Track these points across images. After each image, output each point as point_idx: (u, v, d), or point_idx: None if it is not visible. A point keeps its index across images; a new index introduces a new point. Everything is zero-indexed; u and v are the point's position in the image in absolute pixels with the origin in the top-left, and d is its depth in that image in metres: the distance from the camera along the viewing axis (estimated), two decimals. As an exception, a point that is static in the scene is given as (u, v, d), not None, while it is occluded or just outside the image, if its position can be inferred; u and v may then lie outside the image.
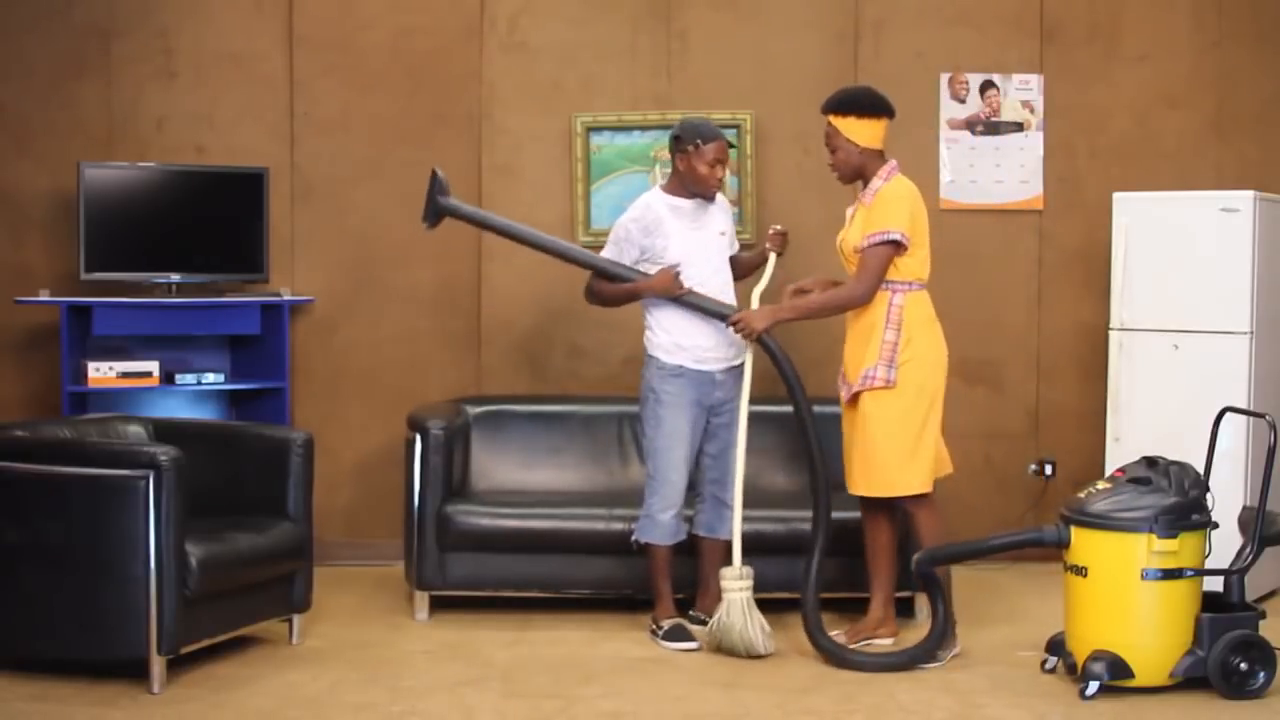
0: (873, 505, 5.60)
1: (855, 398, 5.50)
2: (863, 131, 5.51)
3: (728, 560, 5.64)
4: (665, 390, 5.69)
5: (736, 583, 5.53)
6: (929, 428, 5.48)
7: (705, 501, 5.87)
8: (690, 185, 5.75)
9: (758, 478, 6.12)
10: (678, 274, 5.67)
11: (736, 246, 5.99)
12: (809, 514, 5.68)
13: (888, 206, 5.44)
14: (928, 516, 5.49)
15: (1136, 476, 5.16)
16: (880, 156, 5.56)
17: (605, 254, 5.85)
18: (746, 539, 5.80)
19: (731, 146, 5.95)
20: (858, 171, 5.57)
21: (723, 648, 5.53)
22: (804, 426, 5.67)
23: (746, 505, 5.75)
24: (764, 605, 5.92)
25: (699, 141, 5.70)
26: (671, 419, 5.68)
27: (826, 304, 5.57)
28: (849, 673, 5.33)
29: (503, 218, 6.09)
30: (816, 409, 5.75)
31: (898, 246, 5.41)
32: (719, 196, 5.98)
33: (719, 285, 5.78)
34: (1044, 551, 5.42)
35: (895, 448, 5.43)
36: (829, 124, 5.58)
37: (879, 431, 5.43)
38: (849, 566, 5.83)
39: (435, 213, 5.87)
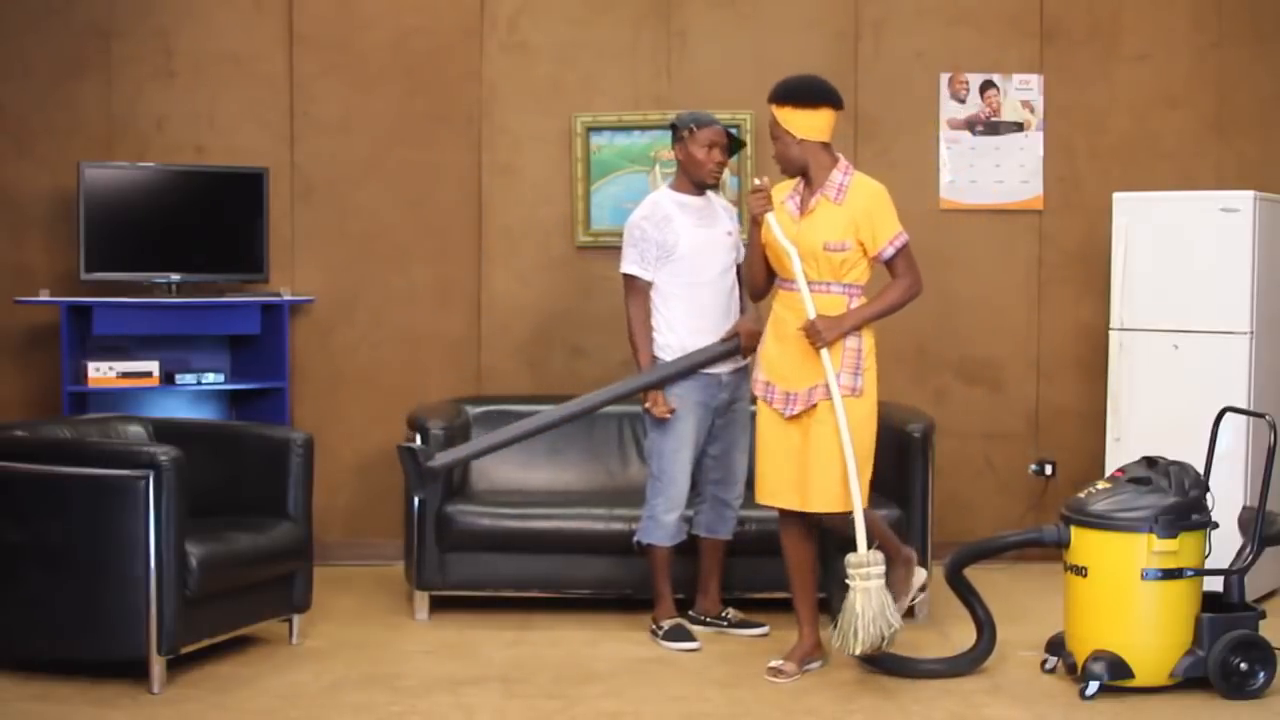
0: (794, 520, 5.28)
1: (812, 412, 5.15)
2: (801, 122, 5.19)
3: (728, 559, 5.64)
4: (672, 392, 5.69)
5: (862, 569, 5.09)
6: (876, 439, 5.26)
7: (706, 502, 5.87)
8: (690, 173, 5.75)
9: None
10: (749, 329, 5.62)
11: (742, 251, 5.97)
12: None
13: (888, 208, 5.21)
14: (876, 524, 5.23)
15: (1136, 476, 5.16)
16: (826, 150, 5.22)
17: (625, 258, 5.78)
18: (748, 538, 5.83)
19: (739, 143, 5.94)
20: (798, 163, 5.22)
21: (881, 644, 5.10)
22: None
23: (747, 504, 5.77)
24: (764, 605, 5.95)
25: (693, 126, 5.74)
26: (678, 421, 5.68)
27: (888, 306, 5.22)
28: (849, 673, 5.32)
29: (496, 435, 5.73)
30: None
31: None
32: (722, 199, 5.99)
33: (727, 285, 5.78)
34: (1044, 551, 5.42)
35: (866, 458, 5.16)
36: (772, 114, 5.26)
37: (853, 442, 5.07)
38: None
39: (426, 482, 5.50)
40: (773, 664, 5.31)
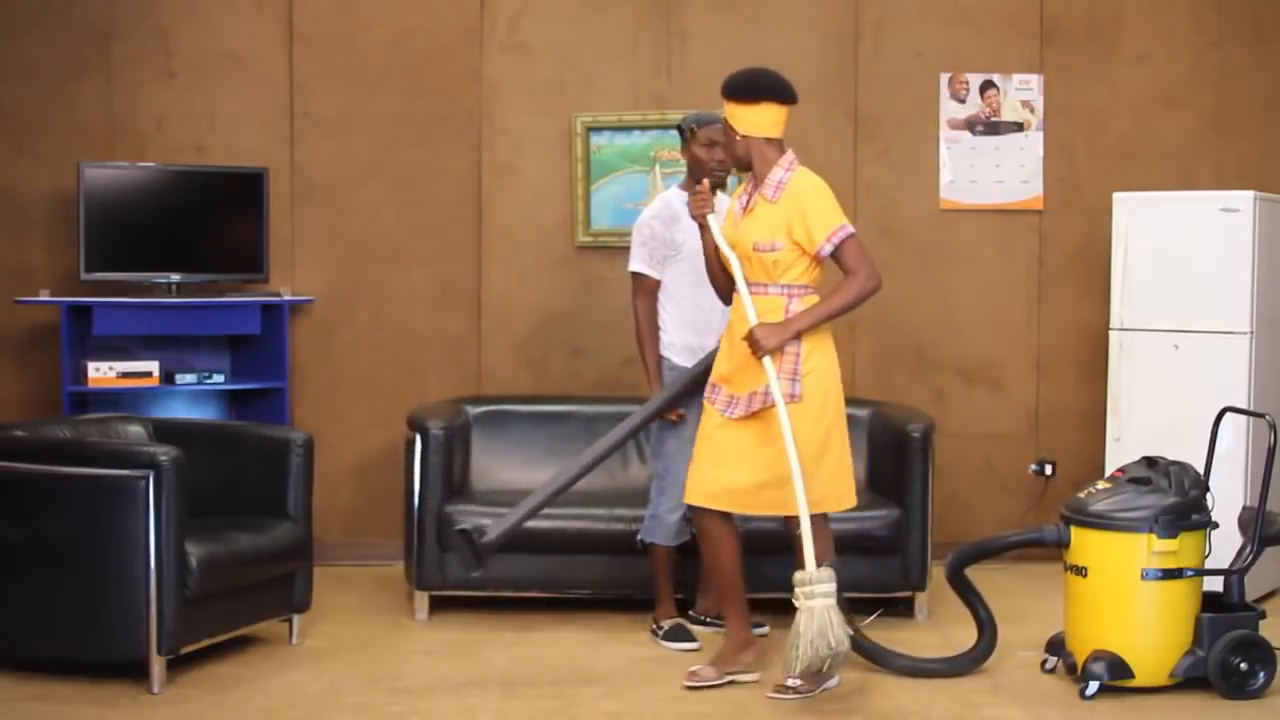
0: (714, 517, 5.14)
1: (755, 416, 5.03)
2: (742, 117, 5.06)
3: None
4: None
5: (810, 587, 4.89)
6: (835, 441, 5.07)
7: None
8: (695, 173, 5.76)
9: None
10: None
11: None
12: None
13: (824, 200, 5.01)
14: (821, 535, 5.02)
15: (1136, 476, 5.16)
16: (773, 145, 5.08)
17: (634, 256, 5.77)
18: (751, 538, 5.82)
19: None
20: (742, 159, 5.10)
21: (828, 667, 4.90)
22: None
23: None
24: (766, 605, 5.93)
25: (694, 126, 5.74)
26: (683, 421, 5.67)
27: (839, 306, 5.01)
28: (849, 673, 5.31)
29: (535, 495, 5.43)
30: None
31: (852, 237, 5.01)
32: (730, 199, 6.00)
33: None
34: (1044, 551, 5.41)
35: (811, 465, 4.94)
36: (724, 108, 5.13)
37: (809, 446, 4.95)
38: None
39: (482, 559, 5.32)
40: (691, 669, 5.18)
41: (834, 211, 5.02)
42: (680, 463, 5.69)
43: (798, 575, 4.88)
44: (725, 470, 5.09)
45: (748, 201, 5.12)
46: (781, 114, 5.11)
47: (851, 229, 5.02)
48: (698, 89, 7.00)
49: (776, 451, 4.95)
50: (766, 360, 4.93)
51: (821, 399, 5.02)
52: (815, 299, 5.05)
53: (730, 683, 5.16)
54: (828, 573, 4.86)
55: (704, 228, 5.19)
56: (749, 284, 5.03)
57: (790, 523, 5.67)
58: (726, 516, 5.17)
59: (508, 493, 6.38)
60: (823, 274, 5.12)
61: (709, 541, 5.22)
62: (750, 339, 4.94)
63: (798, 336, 4.97)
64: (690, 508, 5.26)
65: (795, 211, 5.00)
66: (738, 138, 5.08)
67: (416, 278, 7.11)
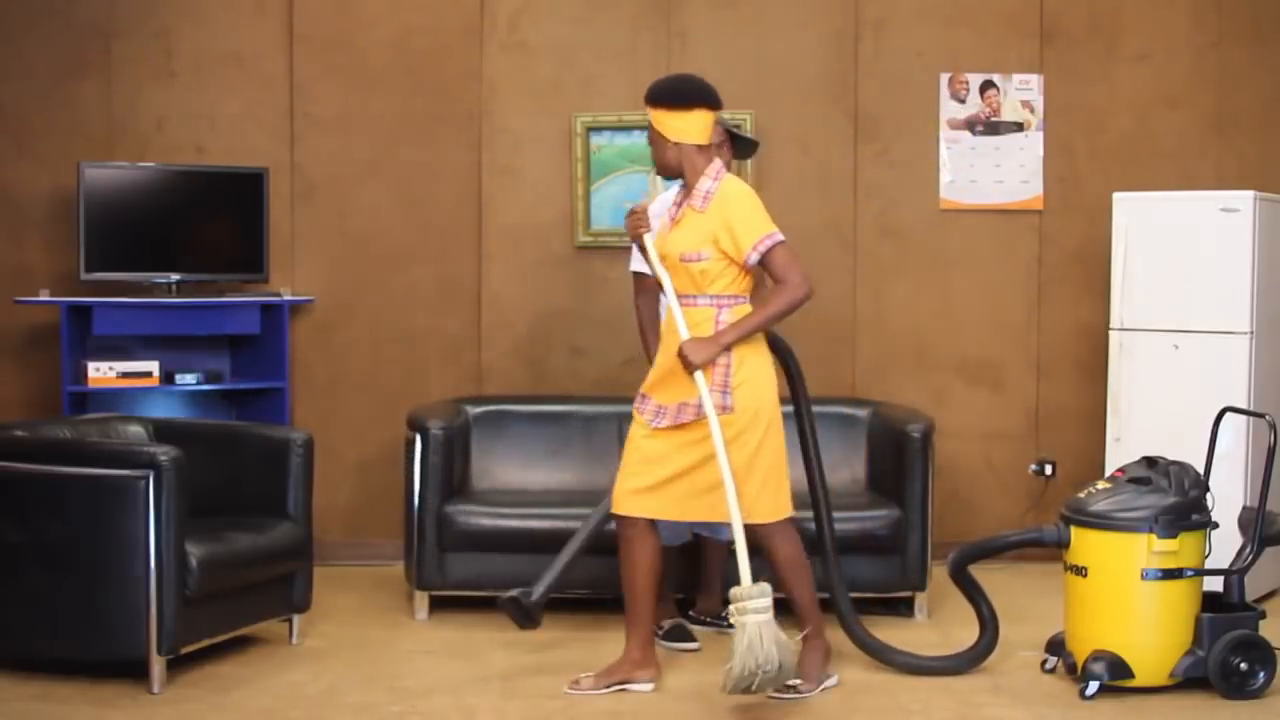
0: (639, 526, 5.07)
1: (685, 428, 4.95)
2: (673, 124, 4.94)
3: (729, 560, 5.60)
4: None
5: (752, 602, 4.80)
6: (767, 451, 4.96)
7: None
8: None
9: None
10: None
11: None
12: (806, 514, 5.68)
13: (751, 208, 4.93)
14: (784, 544, 5.04)
15: (1136, 476, 5.16)
16: (703, 153, 4.99)
17: (634, 256, 5.72)
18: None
19: (751, 142, 5.94)
20: (673, 168, 5.00)
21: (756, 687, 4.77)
22: (804, 430, 5.69)
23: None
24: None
25: None
26: None
27: (769, 316, 4.92)
28: (849, 673, 5.32)
29: (569, 545, 5.43)
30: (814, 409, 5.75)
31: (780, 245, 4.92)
32: None
33: None
34: (1044, 551, 5.41)
35: (743, 476, 4.88)
36: (648, 115, 5.03)
37: (739, 456, 4.88)
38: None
39: (535, 617, 5.35)
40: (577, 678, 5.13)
41: (761, 219, 4.92)
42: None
43: (733, 591, 4.80)
44: (652, 479, 5.01)
45: (676, 212, 5.04)
46: (710, 121, 5.01)
47: (780, 237, 4.91)
48: (698, 89, 7.01)
49: (701, 458, 4.91)
50: (698, 374, 4.85)
51: (753, 410, 4.93)
52: (747, 309, 4.97)
53: (622, 689, 5.08)
54: (762, 589, 4.78)
55: (641, 248, 5.13)
56: (679, 296, 4.95)
57: (705, 543, 5.76)
58: (651, 526, 5.08)
59: (508, 493, 6.40)
60: (754, 283, 5.03)
61: (628, 549, 5.10)
62: (680, 355, 4.86)
63: (728, 348, 4.90)
64: (616, 517, 5.15)
65: (721, 221, 4.90)
66: (670, 145, 4.97)
67: (416, 278, 7.11)
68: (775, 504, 5.03)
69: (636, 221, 5.08)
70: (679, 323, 4.93)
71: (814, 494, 5.65)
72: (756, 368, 4.96)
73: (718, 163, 5.03)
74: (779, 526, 5.05)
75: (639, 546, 5.10)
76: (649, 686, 5.11)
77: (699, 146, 4.99)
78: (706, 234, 4.91)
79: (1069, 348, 7.21)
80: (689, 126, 4.96)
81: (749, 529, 4.88)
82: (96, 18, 6.95)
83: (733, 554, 5.87)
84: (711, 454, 4.84)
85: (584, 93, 7.11)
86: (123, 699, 4.95)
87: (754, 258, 4.89)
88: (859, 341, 7.17)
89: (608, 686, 5.07)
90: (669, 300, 4.98)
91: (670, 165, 5.02)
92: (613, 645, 5.65)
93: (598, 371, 7.06)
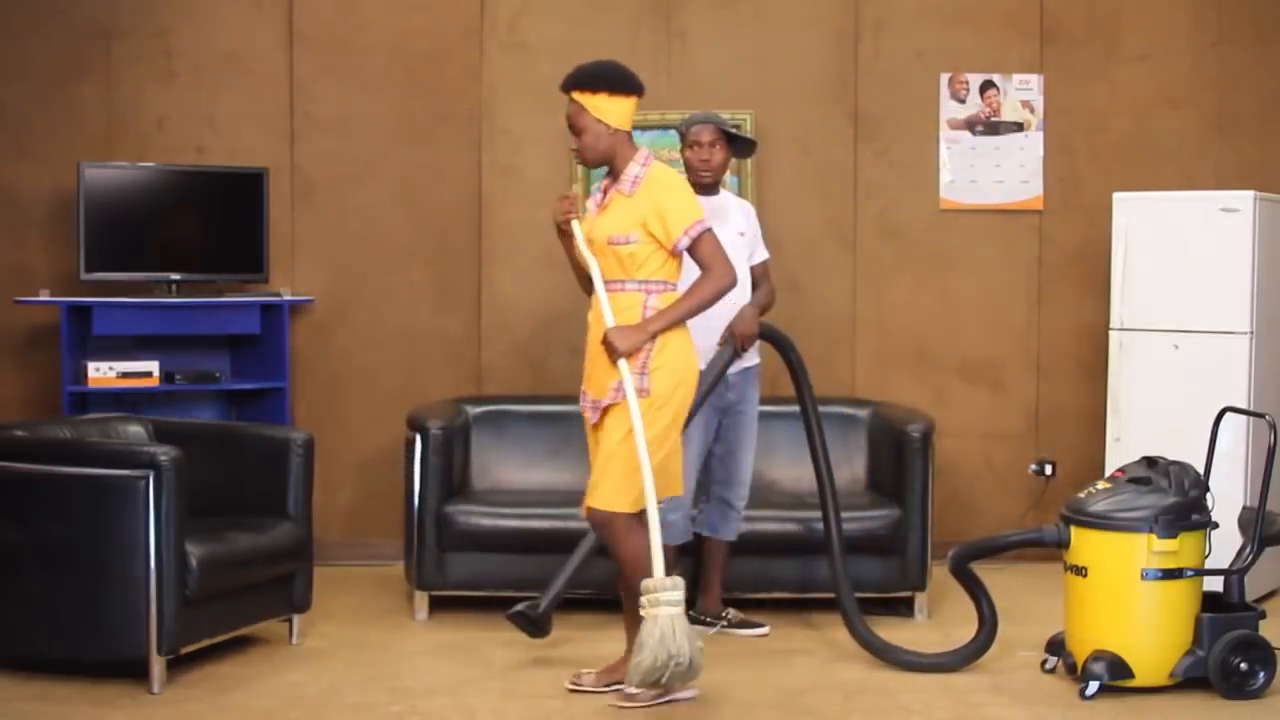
0: (626, 520, 4.99)
1: (605, 413, 4.94)
2: (612, 110, 4.93)
3: (729, 560, 5.62)
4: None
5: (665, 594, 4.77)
6: (664, 442, 4.89)
7: (710, 502, 5.87)
8: (688, 174, 5.78)
9: (759, 476, 6.09)
10: None
11: (765, 253, 5.95)
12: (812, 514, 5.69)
13: (681, 196, 4.94)
14: (628, 540, 4.90)
15: (1136, 476, 5.16)
16: (630, 140, 4.99)
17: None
18: (752, 538, 5.83)
19: (749, 142, 5.94)
20: (606, 155, 4.98)
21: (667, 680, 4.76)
22: (809, 424, 5.70)
23: (749, 505, 5.80)
24: (765, 606, 5.95)
25: (682, 129, 5.82)
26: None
27: (695, 304, 4.93)
28: (849, 673, 5.32)
29: (571, 559, 5.44)
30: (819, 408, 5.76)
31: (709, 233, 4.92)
32: (741, 200, 6.01)
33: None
34: (1044, 551, 5.41)
35: (624, 459, 4.83)
36: (573, 102, 4.97)
37: (613, 439, 4.87)
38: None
39: (544, 626, 5.36)
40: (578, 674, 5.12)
41: (692, 206, 4.95)
42: (681, 463, 5.69)
43: (645, 582, 4.79)
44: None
45: (603, 198, 5.05)
46: (635, 108, 5.02)
47: (709, 224, 4.93)
48: (698, 89, 7.02)
49: (604, 445, 4.90)
50: (622, 361, 4.84)
51: (667, 394, 4.89)
52: (675, 295, 4.95)
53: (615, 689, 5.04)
54: (674, 581, 4.77)
55: (567, 233, 5.08)
56: (606, 282, 4.94)
57: (705, 543, 5.83)
58: (636, 522, 4.99)
59: (508, 493, 6.40)
60: (680, 270, 5.02)
61: (621, 545, 5.01)
62: (605, 342, 4.86)
63: (654, 336, 4.88)
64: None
65: (652, 205, 4.91)
66: (609, 132, 4.95)
67: (416, 278, 7.11)
68: (634, 497, 4.87)
69: (569, 205, 5.06)
70: (605, 311, 4.91)
71: (821, 491, 5.65)
72: (676, 354, 4.93)
73: (644, 149, 5.02)
74: (621, 517, 4.91)
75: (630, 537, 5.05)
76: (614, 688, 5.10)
77: (628, 133, 4.99)
78: (635, 218, 4.91)
79: (1069, 348, 7.21)
80: (626, 113, 4.97)
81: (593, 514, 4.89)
82: (96, 18, 6.95)
83: (731, 553, 5.94)
84: (614, 440, 4.85)
85: (584, 93, 7.09)
86: (123, 699, 4.95)
87: (684, 242, 4.90)
88: (859, 341, 7.17)
89: (608, 685, 5.07)
90: (597, 289, 4.95)
91: (603, 153, 4.98)
92: (614, 645, 5.65)
93: (598, 371, 7.05)
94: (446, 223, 7.13)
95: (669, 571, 5.76)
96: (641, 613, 4.79)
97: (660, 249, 4.93)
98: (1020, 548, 5.40)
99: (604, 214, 5.01)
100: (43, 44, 6.91)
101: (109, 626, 5.01)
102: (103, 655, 5.07)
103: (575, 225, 5.04)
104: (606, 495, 4.91)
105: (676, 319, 4.92)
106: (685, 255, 4.97)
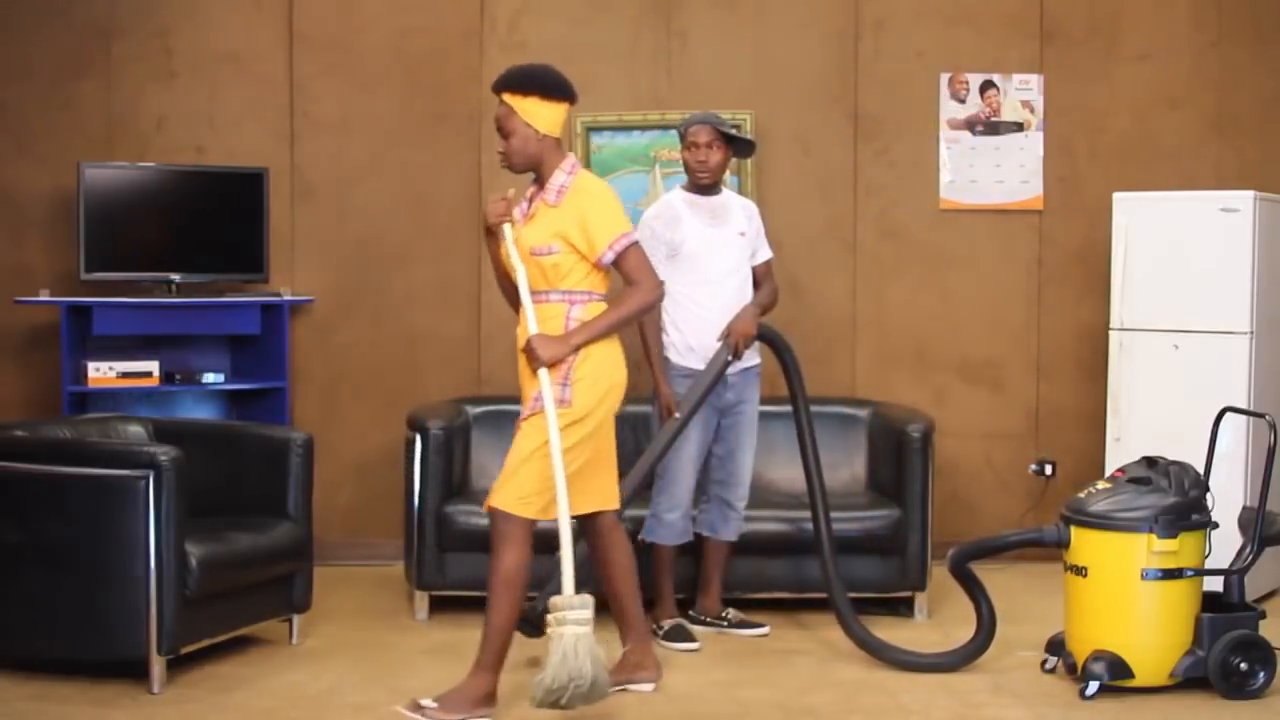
0: (598, 524, 5.03)
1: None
2: (543, 115, 4.79)
3: (730, 560, 5.61)
4: (677, 392, 5.68)
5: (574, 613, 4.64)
6: (573, 455, 4.74)
7: (710, 502, 5.87)
8: (687, 174, 5.79)
9: (758, 477, 6.09)
10: None
11: (768, 253, 5.95)
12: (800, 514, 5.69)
13: (606, 209, 4.81)
14: (515, 549, 4.82)
15: (1136, 476, 5.16)
16: (558, 146, 4.86)
17: None
18: (751, 538, 5.83)
19: (748, 143, 5.95)
20: (533, 161, 4.83)
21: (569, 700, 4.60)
22: (801, 426, 5.70)
23: (749, 506, 5.80)
24: (765, 606, 5.95)
25: (681, 129, 5.82)
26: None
27: (621, 318, 4.81)
28: (849, 673, 5.32)
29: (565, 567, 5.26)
30: (814, 409, 5.76)
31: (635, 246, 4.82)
32: (742, 199, 6.01)
33: (736, 284, 5.77)
34: (1044, 551, 5.41)
35: (538, 468, 4.72)
36: (503, 103, 4.82)
37: (527, 446, 4.75)
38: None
39: (541, 626, 5.21)
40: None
41: (617, 219, 4.81)
42: (678, 462, 5.70)
43: (553, 600, 4.68)
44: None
45: (528, 207, 4.91)
46: (567, 114, 4.90)
47: (635, 237, 4.83)
48: (698, 89, 7.02)
49: (514, 449, 4.81)
50: (543, 371, 4.72)
51: (589, 407, 4.77)
52: (601, 307, 4.84)
53: (622, 690, 5.04)
54: (584, 600, 4.64)
55: (496, 234, 4.89)
56: (531, 291, 4.80)
57: (705, 543, 5.78)
58: (615, 526, 5.02)
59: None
60: (607, 280, 4.91)
61: (597, 547, 5.07)
62: (528, 350, 4.75)
63: (576, 349, 4.76)
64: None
65: (576, 217, 4.78)
66: (538, 137, 4.82)
67: (416, 278, 7.12)
68: (533, 501, 4.80)
69: (505, 208, 4.87)
70: (529, 319, 4.78)
71: (811, 492, 5.66)
72: (601, 365, 4.80)
73: (571, 157, 4.91)
74: (519, 523, 4.82)
75: (600, 542, 5.07)
76: (649, 687, 5.11)
77: (557, 140, 4.87)
78: (558, 229, 4.78)
79: (1069, 348, 7.21)
80: (557, 119, 4.84)
81: (498, 515, 4.80)
82: (97, 18, 6.95)
83: (734, 553, 5.94)
84: (521, 444, 4.76)
85: (584, 93, 6.98)
86: (123, 699, 4.95)
87: (609, 257, 4.79)
88: (859, 341, 7.17)
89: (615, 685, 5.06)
90: (522, 297, 4.83)
91: (530, 158, 4.84)
92: (613, 645, 5.65)
93: (598, 371, 7.05)
94: (446, 223, 7.13)
95: (668, 574, 5.81)
96: (547, 631, 4.65)
97: (583, 260, 4.80)
98: (1020, 548, 5.40)
99: (529, 224, 4.86)
100: (43, 44, 6.91)
101: (109, 626, 5.01)
102: (103, 655, 5.07)
103: (506, 229, 4.87)
104: (509, 498, 4.79)
105: (601, 332, 4.79)
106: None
